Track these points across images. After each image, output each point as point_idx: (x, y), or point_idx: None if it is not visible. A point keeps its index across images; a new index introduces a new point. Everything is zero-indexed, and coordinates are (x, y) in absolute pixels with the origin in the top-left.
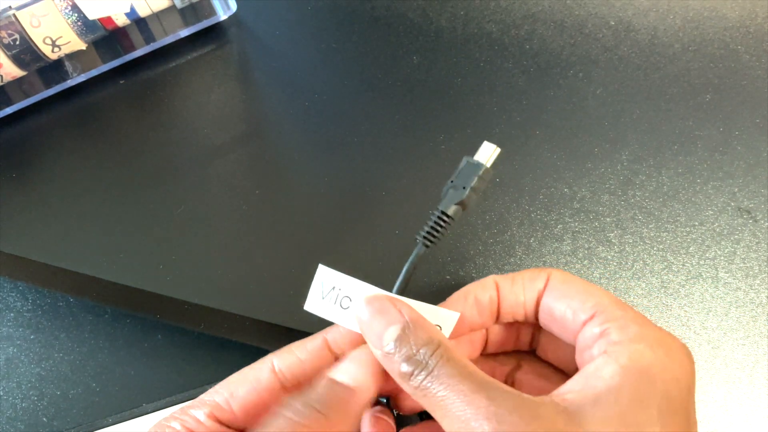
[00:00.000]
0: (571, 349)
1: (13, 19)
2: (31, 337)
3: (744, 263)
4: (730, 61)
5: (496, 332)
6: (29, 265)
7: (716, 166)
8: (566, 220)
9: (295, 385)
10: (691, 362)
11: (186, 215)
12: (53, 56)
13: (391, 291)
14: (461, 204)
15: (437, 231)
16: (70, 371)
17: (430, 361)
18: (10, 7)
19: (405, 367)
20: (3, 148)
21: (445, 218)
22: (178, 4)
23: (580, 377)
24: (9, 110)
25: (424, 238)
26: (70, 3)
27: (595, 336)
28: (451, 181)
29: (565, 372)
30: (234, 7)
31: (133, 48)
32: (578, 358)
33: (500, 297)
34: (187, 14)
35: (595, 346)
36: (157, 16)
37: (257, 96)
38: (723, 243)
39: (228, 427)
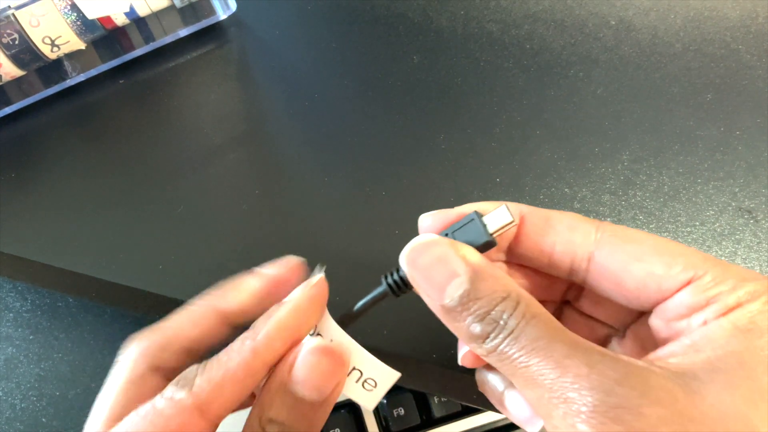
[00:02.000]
0: (625, 309)
1: (12, 18)
2: (31, 337)
3: (745, 263)
4: (731, 61)
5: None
6: (29, 265)
7: (717, 166)
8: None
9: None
10: None
11: (186, 215)
12: (52, 56)
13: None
14: None
15: (403, 281)
16: (69, 371)
17: (510, 321)
18: (9, 6)
19: (477, 329)
20: (3, 148)
21: None
22: (178, 4)
23: (680, 344)
24: (8, 110)
25: (387, 279)
26: (70, 2)
27: (697, 305)
28: (446, 234)
29: (612, 326)
30: (234, 6)
31: (132, 48)
32: (660, 327)
33: (524, 232)
34: (187, 14)
35: (695, 315)
36: (157, 15)
37: (257, 96)
38: (724, 243)
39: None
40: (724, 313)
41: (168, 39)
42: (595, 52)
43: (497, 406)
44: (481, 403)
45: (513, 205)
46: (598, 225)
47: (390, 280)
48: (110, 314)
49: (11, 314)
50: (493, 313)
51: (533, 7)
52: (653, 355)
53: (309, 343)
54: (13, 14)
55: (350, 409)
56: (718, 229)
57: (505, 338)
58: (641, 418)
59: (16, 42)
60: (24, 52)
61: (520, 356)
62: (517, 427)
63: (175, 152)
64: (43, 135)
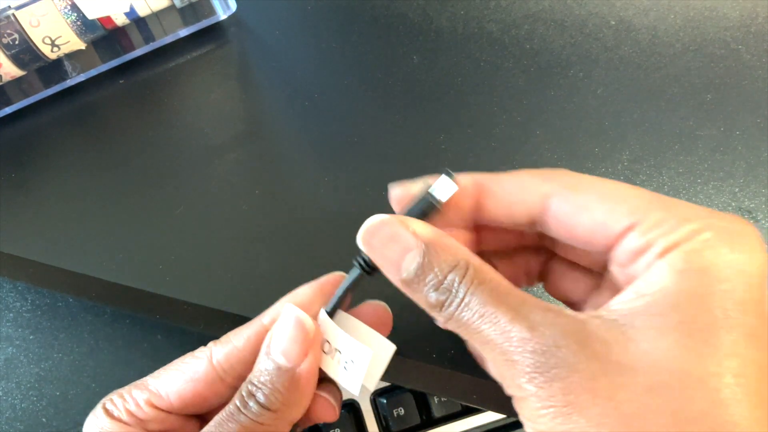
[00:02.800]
0: (590, 279)
1: (13, 18)
2: (31, 337)
3: None
4: (731, 61)
5: (500, 266)
6: (29, 265)
7: (717, 166)
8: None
9: (235, 376)
10: (761, 249)
11: (186, 215)
12: (52, 56)
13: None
14: None
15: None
16: (69, 371)
17: (459, 289)
18: (9, 6)
19: (434, 297)
20: (3, 148)
21: None
22: (178, 4)
23: (628, 291)
24: (8, 110)
25: (358, 260)
26: (70, 2)
27: (640, 249)
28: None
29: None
30: (234, 6)
31: (132, 48)
32: (617, 273)
33: (485, 194)
34: (187, 14)
35: (639, 259)
36: (157, 15)
37: (257, 96)
38: None
39: (169, 412)
40: (662, 255)
41: (168, 39)
42: (595, 52)
43: (482, 366)
44: (481, 403)
45: (466, 175)
46: (548, 176)
47: (360, 261)
48: (110, 314)
49: (11, 314)
50: (445, 282)
51: (533, 7)
52: (603, 306)
53: (285, 308)
54: (13, 14)
55: (350, 409)
56: None
57: (458, 305)
58: (577, 374)
59: (16, 42)
60: (24, 52)
61: (473, 322)
62: (518, 427)
63: (175, 152)
64: (43, 135)
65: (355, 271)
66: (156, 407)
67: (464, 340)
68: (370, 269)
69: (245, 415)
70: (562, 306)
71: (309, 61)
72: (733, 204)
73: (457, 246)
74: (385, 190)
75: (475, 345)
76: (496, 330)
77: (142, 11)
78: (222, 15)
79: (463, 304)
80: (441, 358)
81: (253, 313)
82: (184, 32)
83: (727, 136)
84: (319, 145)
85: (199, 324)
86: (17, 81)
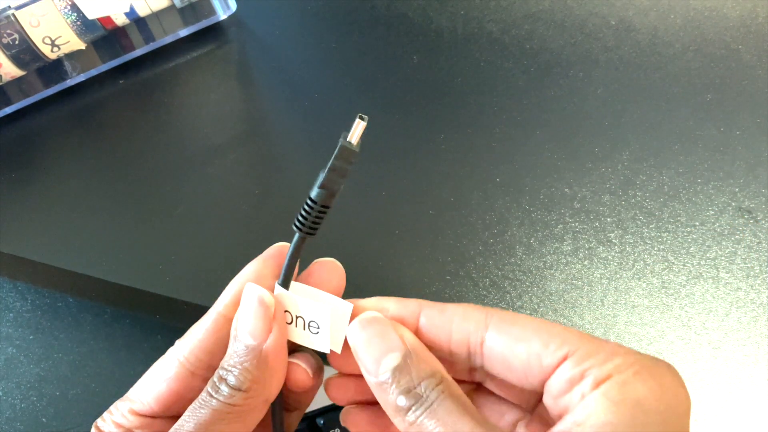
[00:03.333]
0: (518, 412)
1: (13, 18)
2: (31, 337)
3: (745, 263)
4: (730, 61)
5: None
6: (29, 265)
7: (717, 166)
8: (567, 220)
9: (205, 368)
10: (683, 386)
11: (185, 215)
12: (52, 56)
13: (345, 297)
14: (322, 187)
15: (305, 216)
16: (69, 372)
17: (430, 395)
18: (9, 6)
19: (402, 401)
20: (3, 148)
21: (309, 202)
22: (178, 4)
23: (565, 421)
24: (8, 110)
25: (294, 224)
26: (70, 3)
27: (574, 379)
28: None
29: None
30: (234, 6)
31: (132, 48)
32: (551, 405)
33: (424, 325)
34: (187, 14)
35: (574, 389)
36: (157, 15)
37: (257, 96)
38: (724, 243)
39: (153, 417)
40: (597, 386)
41: (168, 39)
42: (595, 52)
43: None
44: None
45: (413, 301)
46: (488, 312)
47: (298, 223)
48: (110, 314)
49: (11, 314)
50: (417, 388)
51: (533, 7)
52: None
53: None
54: (14, 14)
55: None
56: (718, 229)
57: (424, 411)
58: None
59: (17, 42)
60: (24, 52)
61: (435, 428)
62: None
63: (175, 152)
64: (43, 135)
65: (298, 235)
66: (139, 414)
67: (349, 418)
68: (310, 229)
69: (216, 399)
70: None
71: (309, 61)
72: (733, 204)
73: (435, 360)
74: (385, 190)
75: None
76: None
77: (142, 11)
78: (222, 15)
79: (429, 410)
80: None
81: None
82: (184, 32)
83: (727, 136)
84: (319, 145)
85: None
86: (17, 81)
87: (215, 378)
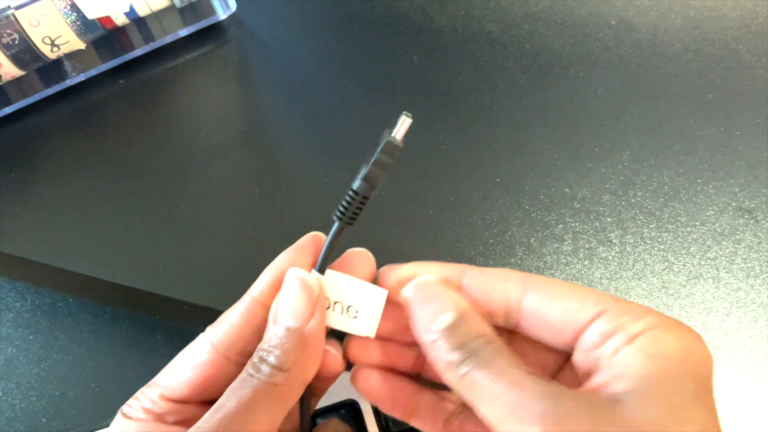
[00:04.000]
0: (550, 354)
1: (12, 18)
2: (30, 337)
3: (745, 263)
4: (731, 61)
5: None
6: (29, 265)
7: (717, 166)
8: (567, 220)
9: (238, 353)
10: (707, 347)
11: (186, 215)
12: (52, 56)
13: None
14: (365, 179)
15: (346, 206)
16: (69, 372)
17: (483, 350)
18: (9, 6)
19: (454, 356)
20: (3, 148)
21: (351, 193)
22: (178, 4)
23: (602, 373)
24: (8, 110)
25: (335, 213)
26: (70, 2)
27: (607, 333)
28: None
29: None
30: (233, 6)
31: (132, 48)
32: (581, 360)
33: (466, 285)
34: (187, 14)
35: (607, 343)
36: (157, 15)
37: (257, 96)
38: (724, 243)
39: (184, 402)
40: (631, 340)
41: (168, 39)
42: (595, 52)
43: (368, 396)
44: None
45: (454, 265)
46: (526, 275)
47: (339, 213)
48: (110, 314)
49: (11, 314)
50: (469, 344)
51: (533, 7)
52: (587, 384)
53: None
54: (13, 14)
55: (350, 409)
56: (718, 229)
57: (476, 364)
58: (578, 421)
59: (16, 42)
60: (24, 52)
61: (487, 381)
62: None
63: (175, 152)
64: (43, 135)
65: (337, 225)
66: (170, 399)
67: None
68: (350, 219)
69: (258, 378)
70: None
71: (309, 61)
72: (734, 204)
73: (485, 322)
74: (386, 190)
75: (480, 404)
76: (510, 390)
77: (142, 11)
78: (222, 15)
79: (482, 365)
80: None
81: None
82: (184, 32)
83: (727, 136)
84: (319, 145)
85: (199, 324)
86: (17, 81)
87: (255, 359)
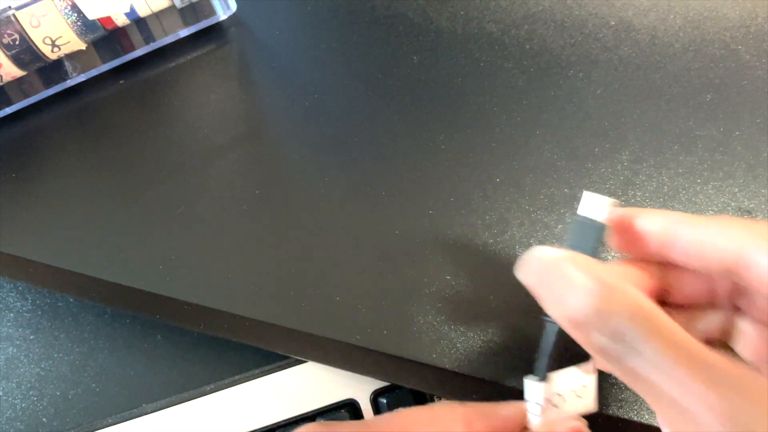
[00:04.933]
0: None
1: (13, 19)
2: (31, 337)
3: None
4: (730, 61)
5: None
6: (29, 265)
7: (717, 167)
8: (567, 221)
9: None
10: None
11: (186, 215)
12: (53, 56)
13: None
14: None
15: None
16: (69, 371)
17: (635, 336)
18: (9, 7)
19: (602, 341)
20: (3, 148)
21: None
22: (178, 4)
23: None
24: (9, 110)
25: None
26: (70, 3)
27: None
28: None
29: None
30: (234, 6)
31: (132, 48)
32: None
33: (677, 231)
34: (187, 14)
35: None
36: (157, 16)
37: (257, 96)
38: None
39: None
40: None
41: (168, 39)
42: (595, 52)
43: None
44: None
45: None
46: (750, 223)
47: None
48: (110, 314)
49: (12, 314)
50: (619, 326)
51: (533, 8)
52: None
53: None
54: (14, 15)
55: (350, 408)
56: None
57: (631, 354)
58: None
59: (17, 42)
60: (24, 52)
61: (649, 374)
62: None
63: (176, 152)
64: (44, 135)
65: (554, 327)
66: None
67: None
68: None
69: None
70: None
71: (309, 61)
72: (733, 204)
73: (633, 291)
74: (385, 190)
75: (649, 401)
76: (678, 388)
77: (142, 11)
78: (222, 15)
79: (638, 354)
80: (441, 358)
81: (253, 313)
82: (184, 32)
83: (727, 136)
84: (319, 145)
85: (199, 324)
86: (17, 81)
87: None
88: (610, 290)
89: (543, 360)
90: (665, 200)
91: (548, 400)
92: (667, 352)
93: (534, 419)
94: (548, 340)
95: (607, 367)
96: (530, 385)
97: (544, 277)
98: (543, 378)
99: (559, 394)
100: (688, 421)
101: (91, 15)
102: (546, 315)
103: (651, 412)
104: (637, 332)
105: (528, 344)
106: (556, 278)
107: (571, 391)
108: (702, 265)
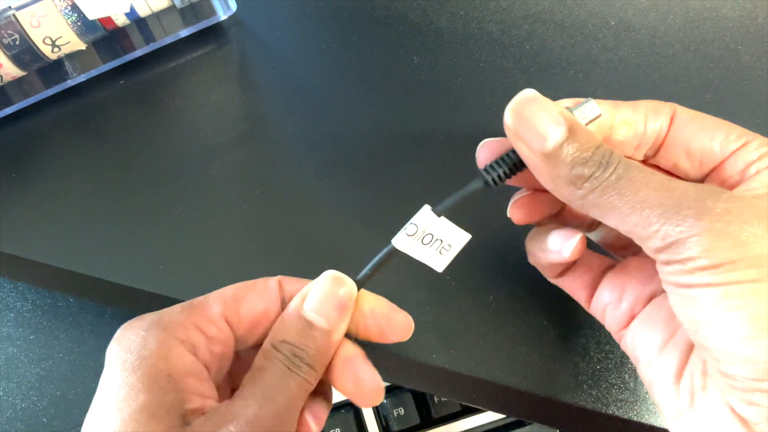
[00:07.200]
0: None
1: (13, 19)
2: (31, 337)
3: None
4: (730, 62)
5: None
6: (29, 265)
7: None
8: None
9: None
10: None
11: (186, 215)
12: (53, 56)
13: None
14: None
15: (498, 163)
16: (70, 371)
17: (611, 161)
18: (9, 7)
19: (579, 170)
20: (3, 148)
21: (510, 153)
22: (178, 4)
23: (742, 189)
24: (9, 110)
25: (485, 168)
26: (70, 3)
27: (751, 160)
28: None
29: None
30: (234, 7)
31: (133, 48)
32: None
33: (615, 122)
34: (187, 14)
35: (750, 167)
36: (157, 16)
37: (257, 96)
38: None
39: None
40: None
41: (168, 39)
42: (594, 52)
43: (541, 255)
44: (480, 403)
45: (607, 102)
46: (673, 106)
47: (488, 175)
48: (110, 314)
49: (12, 314)
50: (594, 156)
51: (533, 8)
52: (736, 191)
53: (325, 273)
54: (14, 15)
55: (350, 408)
56: None
57: (610, 174)
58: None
59: (17, 42)
60: (25, 52)
61: (626, 187)
62: (518, 427)
63: (176, 152)
64: (44, 135)
65: (478, 183)
66: (228, 321)
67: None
68: (493, 180)
69: (299, 375)
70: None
71: (309, 61)
72: None
73: (595, 135)
74: (385, 190)
75: (615, 216)
76: (657, 193)
77: (143, 11)
78: (222, 15)
79: (615, 174)
80: (441, 358)
81: None
82: (184, 33)
83: None
84: (319, 145)
85: None
86: (18, 81)
87: (286, 352)
88: (581, 127)
89: (452, 203)
90: None
91: (423, 231)
92: (637, 167)
93: (400, 236)
94: (467, 190)
95: (570, 197)
96: (425, 211)
97: (525, 111)
98: (438, 214)
99: (432, 235)
100: (671, 211)
101: (91, 15)
102: (485, 169)
103: (651, 413)
104: (609, 157)
105: (528, 344)
106: (540, 111)
107: (440, 240)
108: (636, 139)
